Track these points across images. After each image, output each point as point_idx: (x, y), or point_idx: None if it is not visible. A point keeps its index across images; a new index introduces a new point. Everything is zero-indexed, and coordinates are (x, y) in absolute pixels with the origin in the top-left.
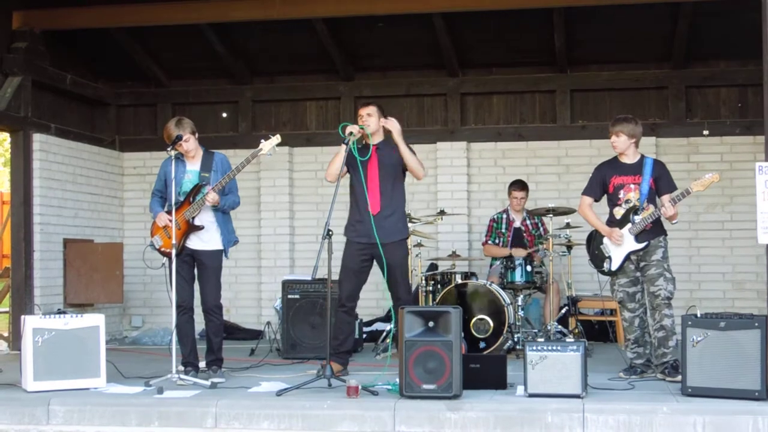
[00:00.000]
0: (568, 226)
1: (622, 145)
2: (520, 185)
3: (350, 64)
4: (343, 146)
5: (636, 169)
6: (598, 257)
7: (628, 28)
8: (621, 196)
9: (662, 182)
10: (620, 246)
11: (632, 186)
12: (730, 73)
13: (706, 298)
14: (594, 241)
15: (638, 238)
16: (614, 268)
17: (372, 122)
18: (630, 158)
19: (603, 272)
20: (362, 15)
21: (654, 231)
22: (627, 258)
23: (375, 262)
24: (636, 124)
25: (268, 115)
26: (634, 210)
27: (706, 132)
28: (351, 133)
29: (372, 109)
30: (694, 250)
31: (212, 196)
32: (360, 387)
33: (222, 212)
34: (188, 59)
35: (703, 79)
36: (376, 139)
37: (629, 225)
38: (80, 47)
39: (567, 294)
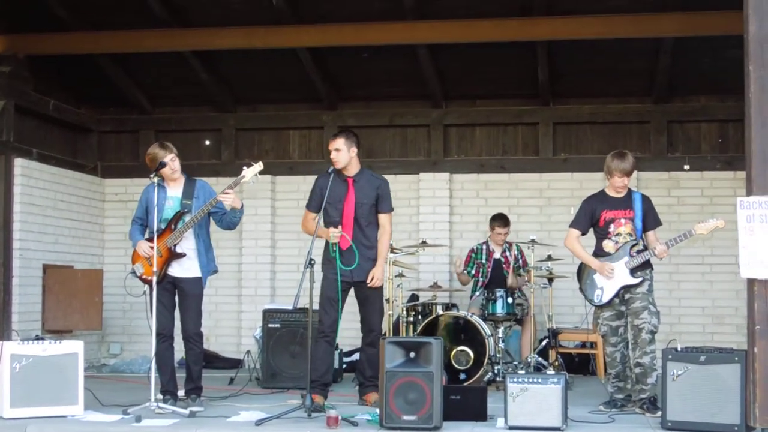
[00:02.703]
0: (549, 258)
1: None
2: (503, 222)
3: (334, 94)
4: (322, 225)
5: (626, 203)
6: (589, 287)
7: (610, 62)
8: (611, 229)
9: (650, 218)
10: (613, 279)
11: (623, 220)
12: (711, 108)
13: (686, 332)
14: (586, 269)
15: (633, 272)
16: (605, 300)
17: (342, 157)
18: (619, 192)
19: (592, 303)
20: (347, 45)
21: (643, 264)
22: (618, 292)
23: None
24: (634, 158)
25: (251, 143)
26: (633, 244)
27: (686, 166)
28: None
29: (339, 143)
30: (674, 284)
31: (231, 197)
32: (340, 417)
33: (229, 226)
34: (171, 86)
35: (684, 113)
36: (352, 170)
37: (626, 259)
38: (64, 73)
39: (547, 326)
